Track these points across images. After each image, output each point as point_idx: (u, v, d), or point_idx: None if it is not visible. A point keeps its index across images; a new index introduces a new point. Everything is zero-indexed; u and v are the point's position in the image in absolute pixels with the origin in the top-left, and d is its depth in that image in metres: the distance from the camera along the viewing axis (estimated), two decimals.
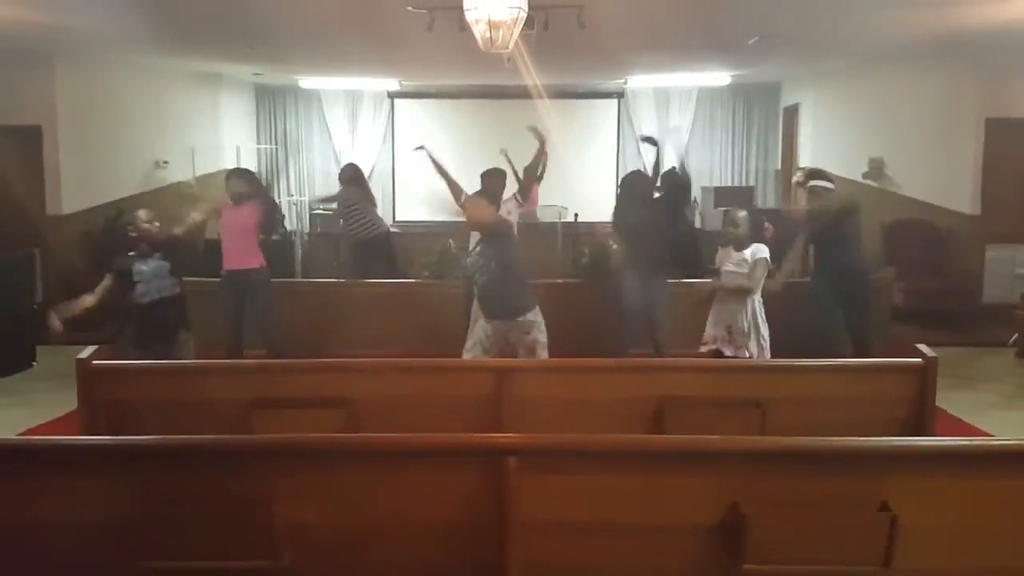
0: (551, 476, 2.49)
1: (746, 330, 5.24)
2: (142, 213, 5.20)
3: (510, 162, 7.44)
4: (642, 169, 6.74)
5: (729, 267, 5.37)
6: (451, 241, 7.53)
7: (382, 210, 12.51)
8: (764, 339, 5.28)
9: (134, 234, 5.16)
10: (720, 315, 5.37)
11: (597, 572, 2.56)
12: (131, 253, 5.13)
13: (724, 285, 5.37)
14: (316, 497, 2.51)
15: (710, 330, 5.44)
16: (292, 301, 7.07)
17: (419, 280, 7.46)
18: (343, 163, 8.10)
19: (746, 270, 5.26)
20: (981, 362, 7.06)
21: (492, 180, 6.65)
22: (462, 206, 5.43)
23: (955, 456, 2.55)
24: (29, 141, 8.41)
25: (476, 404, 3.71)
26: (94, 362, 3.70)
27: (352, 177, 8.21)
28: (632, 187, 6.09)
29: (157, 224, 5.19)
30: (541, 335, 5.02)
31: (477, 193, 6.07)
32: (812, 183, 5.98)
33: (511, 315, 5.00)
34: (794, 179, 11.17)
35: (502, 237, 5.12)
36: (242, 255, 6.28)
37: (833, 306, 5.77)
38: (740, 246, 5.34)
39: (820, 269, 6.01)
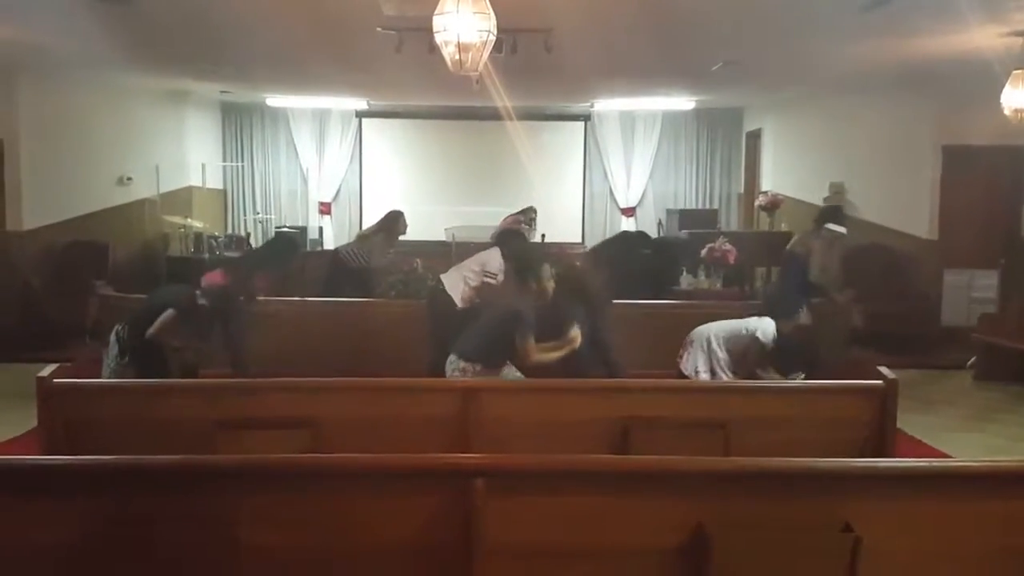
0: (518, 497, 2.49)
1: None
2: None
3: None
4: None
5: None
6: (418, 261, 7.50)
7: (349, 230, 12.57)
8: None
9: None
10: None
11: None
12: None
13: None
14: (280, 519, 2.49)
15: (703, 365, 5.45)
16: (257, 320, 6.97)
17: (386, 299, 7.42)
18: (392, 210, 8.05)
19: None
20: (939, 384, 7.16)
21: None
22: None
23: (917, 477, 2.60)
24: None
25: (443, 424, 3.71)
26: (55, 380, 3.64)
27: (385, 226, 8.03)
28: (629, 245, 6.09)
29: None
30: None
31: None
32: (829, 226, 5.86)
33: None
34: (756, 202, 11.37)
35: None
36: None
37: None
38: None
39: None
